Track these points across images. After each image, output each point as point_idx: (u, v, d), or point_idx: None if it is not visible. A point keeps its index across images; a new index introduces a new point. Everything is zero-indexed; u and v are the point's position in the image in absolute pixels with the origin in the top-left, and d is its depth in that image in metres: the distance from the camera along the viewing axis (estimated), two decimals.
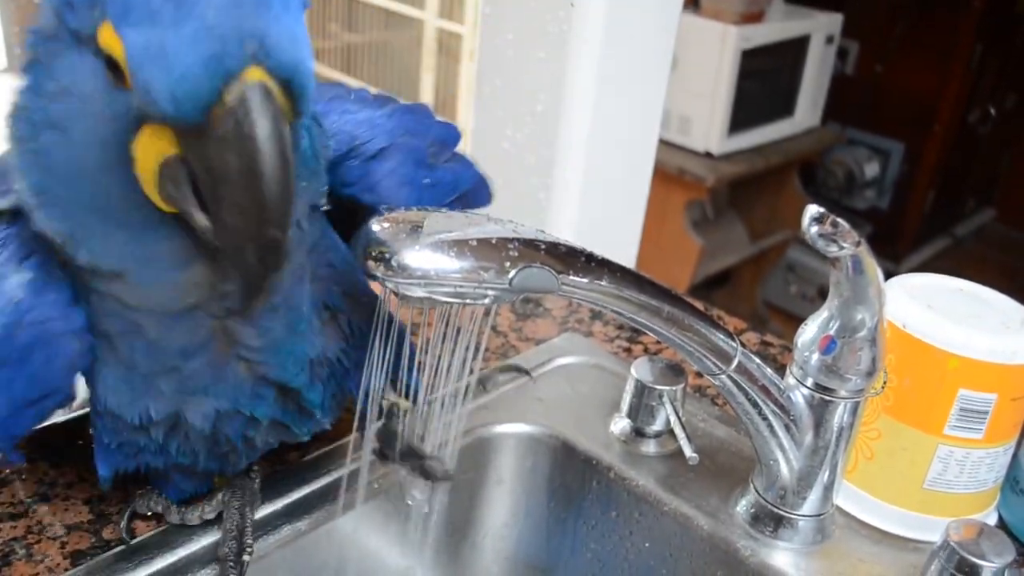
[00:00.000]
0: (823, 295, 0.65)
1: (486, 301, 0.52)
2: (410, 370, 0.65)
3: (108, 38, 0.43)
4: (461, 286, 0.50)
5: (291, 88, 0.44)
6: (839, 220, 0.56)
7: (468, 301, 0.52)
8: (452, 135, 0.70)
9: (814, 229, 0.57)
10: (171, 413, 0.58)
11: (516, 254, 0.51)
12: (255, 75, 0.42)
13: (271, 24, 0.42)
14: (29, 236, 0.54)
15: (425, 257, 0.49)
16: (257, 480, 0.67)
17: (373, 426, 0.63)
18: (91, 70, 0.46)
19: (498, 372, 0.84)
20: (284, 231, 0.45)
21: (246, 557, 0.62)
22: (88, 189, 0.49)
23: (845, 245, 0.57)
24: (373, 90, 0.75)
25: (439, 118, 0.70)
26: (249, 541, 0.63)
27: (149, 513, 0.66)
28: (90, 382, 0.58)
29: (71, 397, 0.56)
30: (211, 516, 0.65)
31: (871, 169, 3.27)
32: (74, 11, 0.45)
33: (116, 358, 0.56)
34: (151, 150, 0.45)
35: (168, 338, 0.55)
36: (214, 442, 0.60)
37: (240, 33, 0.42)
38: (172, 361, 0.56)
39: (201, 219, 0.46)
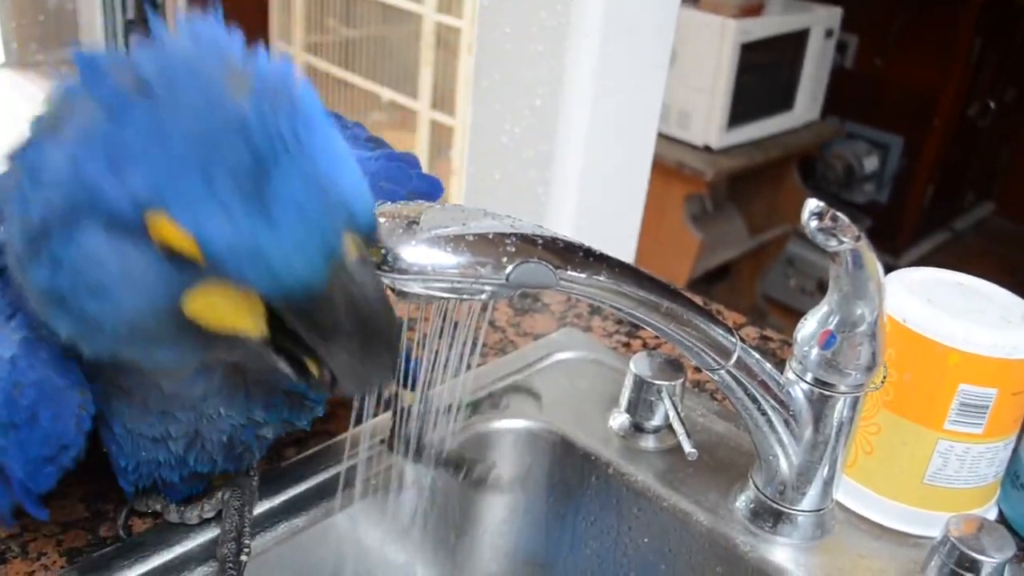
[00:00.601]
0: (822, 289, 0.65)
1: (483, 297, 0.52)
2: (407, 360, 0.65)
3: (165, 229, 0.41)
4: (458, 282, 0.50)
5: (372, 236, 0.46)
6: (839, 214, 0.56)
7: (465, 297, 0.51)
8: (434, 189, 0.70)
9: (814, 223, 0.56)
10: (190, 432, 0.59)
11: (513, 249, 0.51)
12: (350, 242, 0.43)
13: (351, 186, 0.43)
14: (12, 293, 0.52)
15: (422, 253, 0.49)
16: (255, 478, 0.67)
17: (372, 420, 0.63)
18: (140, 253, 0.42)
19: (509, 392, 0.83)
20: (396, 360, 0.46)
21: (244, 558, 0.62)
22: (127, 334, 0.46)
23: (845, 240, 0.57)
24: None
25: (426, 172, 0.71)
26: (247, 542, 0.62)
27: (148, 511, 0.66)
28: (101, 419, 0.57)
29: (85, 447, 0.56)
30: (210, 515, 0.65)
31: (870, 163, 3.27)
32: (108, 196, 0.41)
33: (128, 400, 0.56)
34: (225, 318, 0.44)
35: (187, 390, 0.55)
36: (230, 448, 0.61)
37: (331, 211, 0.41)
38: (190, 403, 0.56)
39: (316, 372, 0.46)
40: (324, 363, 0.45)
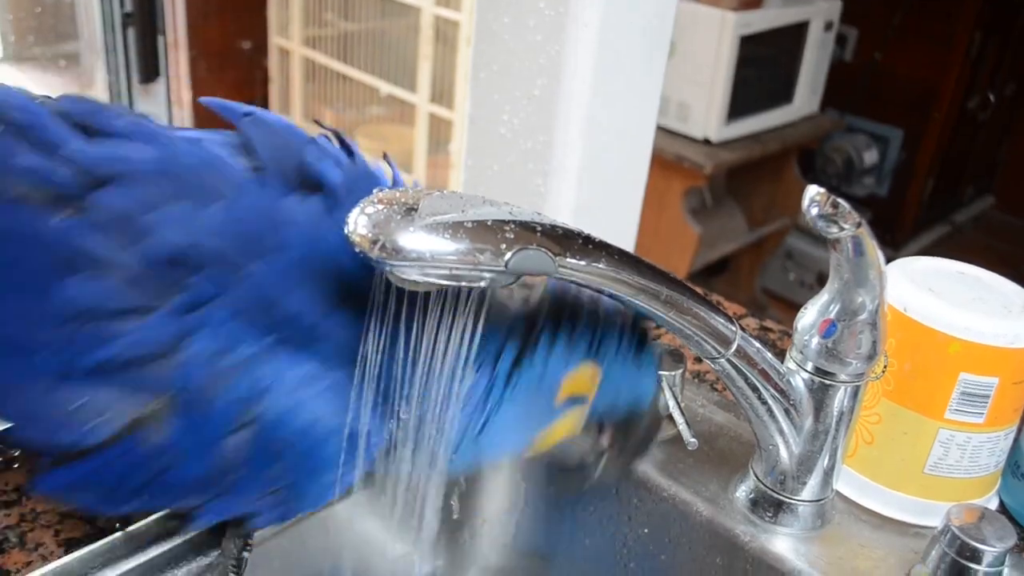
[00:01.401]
0: (822, 282, 0.65)
1: (482, 284, 0.51)
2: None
3: (584, 381, 0.63)
4: (456, 268, 0.49)
5: None
6: (839, 201, 0.56)
7: (464, 284, 0.51)
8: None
9: (814, 210, 0.56)
10: None
11: (512, 236, 0.50)
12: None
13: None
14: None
15: (420, 239, 0.48)
16: None
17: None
18: (543, 401, 0.61)
19: None
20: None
21: (246, 553, 0.62)
22: None
23: (845, 226, 0.56)
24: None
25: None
26: (251, 540, 0.62)
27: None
28: None
29: None
30: None
31: (870, 156, 3.27)
32: (547, 369, 0.61)
33: None
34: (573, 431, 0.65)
35: None
36: None
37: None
38: None
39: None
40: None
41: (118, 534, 0.63)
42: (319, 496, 0.58)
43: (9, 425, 0.53)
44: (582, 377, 0.62)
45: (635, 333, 0.64)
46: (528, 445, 0.64)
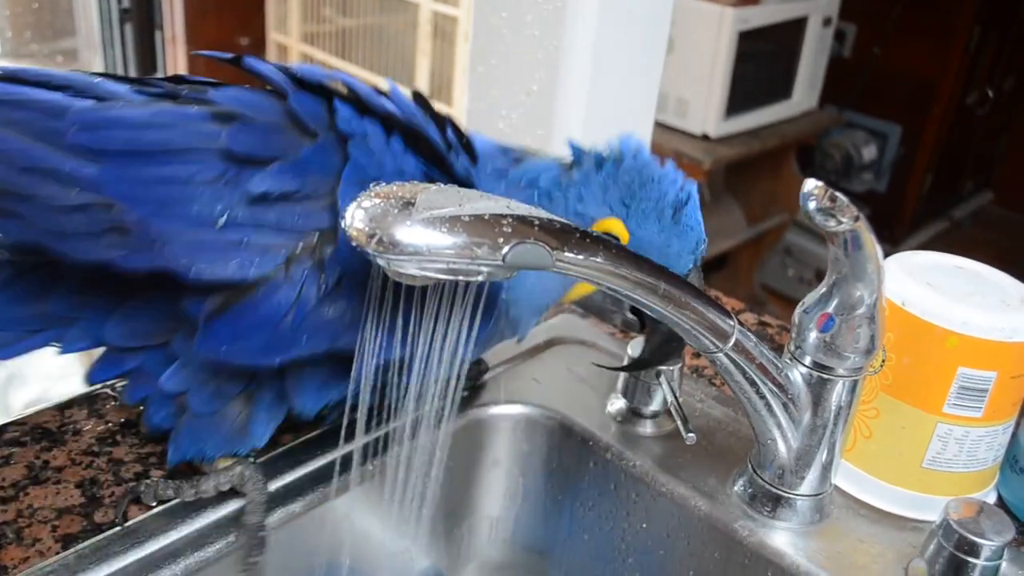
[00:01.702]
0: (820, 278, 0.64)
1: (480, 278, 0.51)
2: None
3: (616, 227, 0.66)
4: (454, 262, 0.49)
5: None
6: (837, 194, 0.56)
7: (461, 278, 0.51)
8: None
9: (812, 204, 0.56)
10: None
11: (510, 230, 0.50)
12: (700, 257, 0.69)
13: (704, 227, 0.68)
14: None
15: (417, 233, 0.48)
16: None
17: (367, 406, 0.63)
18: None
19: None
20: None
21: (263, 533, 0.64)
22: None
23: (843, 220, 0.56)
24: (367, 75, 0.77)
25: None
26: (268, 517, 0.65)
27: (155, 504, 0.65)
28: None
29: None
30: (225, 488, 0.65)
31: (869, 152, 3.27)
32: (585, 205, 0.66)
33: None
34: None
35: None
36: None
37: (702, 236, 0.68)
38: None
39: (630, 316, 0.71)
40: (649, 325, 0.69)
41: (115, 529, 0.63)
42: None
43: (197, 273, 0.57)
44: (614, 225, 0.66)
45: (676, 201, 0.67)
46: (565, 288, 0.69)
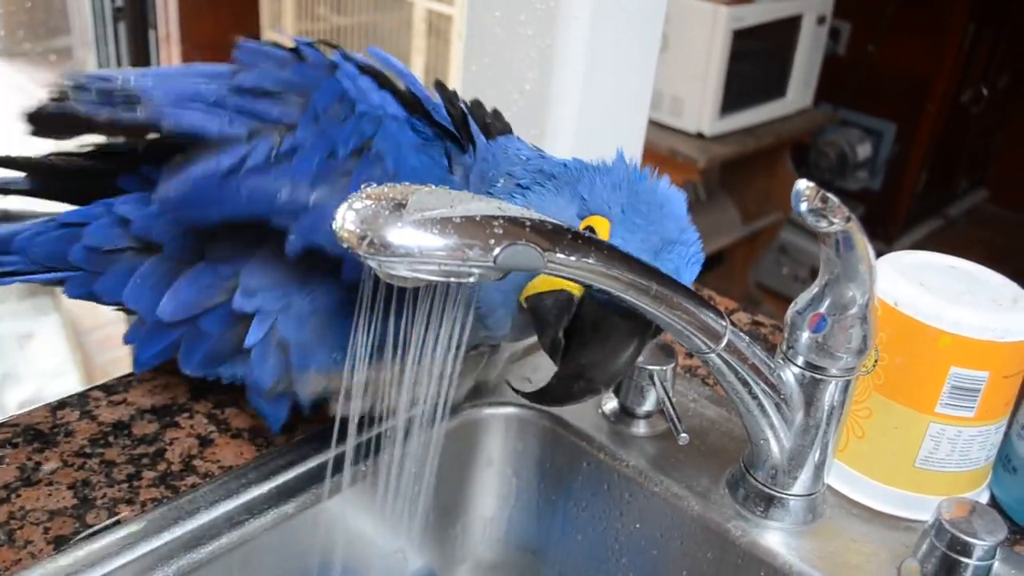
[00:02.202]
0: (815, 276, 0.64)
1: (471, 279, 0.51)
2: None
3: (600, 229, 0.64)
4: (445, 264, 0.49)
5: None
6: (829, 195, 0.56)
7: (453, 279, 0.51)
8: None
9: (803, 205, 0.56)
10: None
11: (501, 232, 0.50)
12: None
13: (693, 276, 0.65)
14: None
15: (408, 235, 0.48)
16: None
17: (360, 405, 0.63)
18: (568, 220, 0.64)
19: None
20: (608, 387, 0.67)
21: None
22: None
23: (835, 221, 0.56)
24: None
25: None
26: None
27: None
28: None
29: None
30: None
31: (863, 150, 3.27)
32: (590, 193, 0.65)
33: None
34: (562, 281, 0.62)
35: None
36: None
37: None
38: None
39: (560, 337, 0.63)
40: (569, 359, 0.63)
41: (107, 531, 0.63)
42: None
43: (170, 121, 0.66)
44: (600, 225, 0.65)
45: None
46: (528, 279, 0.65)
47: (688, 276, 0.64)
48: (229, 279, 0.68)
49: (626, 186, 0.65)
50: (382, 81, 0.69)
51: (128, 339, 0.71)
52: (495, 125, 0.74)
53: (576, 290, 0.63)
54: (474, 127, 0.70)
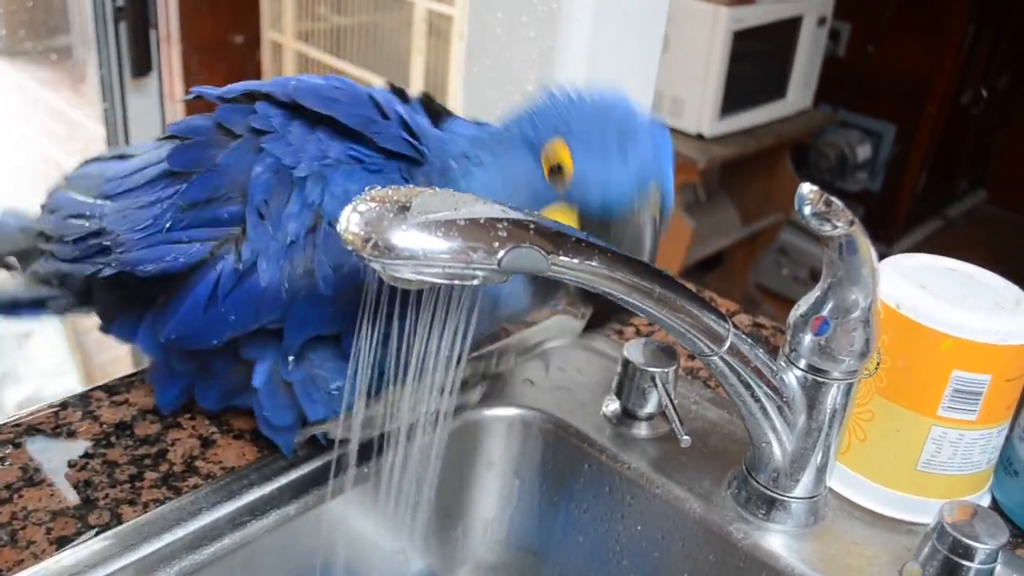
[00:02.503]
0: (815, 278, 0.65)
1: (475, 282, 0.51)
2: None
3: (559, 152, 0.63)
4: (449, 267, 0.49)
5: (664, 203, 0.64)
6: (832, 198, 0.56)
7: (457, 282, 0.51)
8: None
9: (807, 208, 0.56)
10: None
11: (505, 234, 0.50)
12: (653, 200, 0.62)
13: (666, 170, 0.64)
14: None
15: (412, 237, 0.48)
16: None
17: (362, 407, 0.63)
18: (528, 165, 0.64)
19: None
20: None
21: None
22: None
23: (838, 224, 0.56)
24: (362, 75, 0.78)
25: None
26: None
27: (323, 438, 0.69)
28: None
29: None
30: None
31: (863, 151, 3.27)
32: (536, 131, 0.64)
33: None
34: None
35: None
36: None
37: (655, 176, 0.62)
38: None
39: None
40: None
41: (109, 532, 0.63)
42: None
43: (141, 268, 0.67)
44: (559, 148, 0.63)
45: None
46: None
47: (666, 152, 0.64)
48: None
49: (567, 107, 0.64)
50: (315, 118, 0.67)
51: (149, 380, 0.75)
52: (443, 112, 0.74)
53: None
54: (425, 126, 0.70)
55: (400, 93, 0.72)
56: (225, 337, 0.66)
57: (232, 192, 0.66)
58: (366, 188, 0.57)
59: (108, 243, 0.68)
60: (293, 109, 0.68)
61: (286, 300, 0.64)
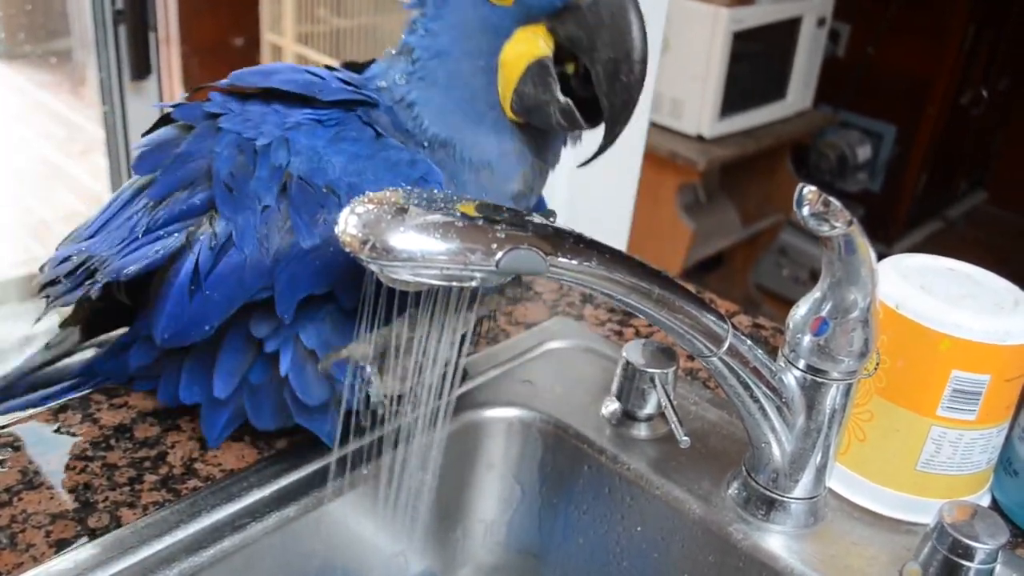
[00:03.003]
0: (815, 278, 0.64)
1: (474, 283, 0.51)
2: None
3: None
4: (447, 268, 0.49)
5: None
6: (831, 199, 0.56)
7: (455, 284, 0.51)
8: None
9: (805, 209, 0.56)
10: None
11: (503, 236, 0.50)
12: None
13: None
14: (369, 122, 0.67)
15: (410, 239, 0.48)
16: None
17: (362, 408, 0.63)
18: (472, 5, 0.62)
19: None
20: (646, 66, 0.62)
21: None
22: (462, 97, 0.65)
23: (837, 224, 0.56)
24: None
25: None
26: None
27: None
28: None
29: None
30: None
31: (863, 152, 3.27)
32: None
33: None
34: (522, 55, 0.62)
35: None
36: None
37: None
38: None
39: (562, 100, 0.62)
40: (592, 70, 0.61)
41: (108, 535, 0.63)
42: None
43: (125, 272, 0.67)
44: None
45: None
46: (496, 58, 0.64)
47: None
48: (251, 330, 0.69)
49: None
50: (266, 95, 0.68)
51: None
52: (362, 65, 0.74)
53: (540, 51, 0.62)
54: (355, 77, 0.70)
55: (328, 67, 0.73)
56: (216, 321, 0.65)
57: (199, 178, 0.67)
58: (330, 145, 0.60)
59: (95, 267, 0.69)
60: (240, 94, 0.69)
61: (270, 265, 0.64)
